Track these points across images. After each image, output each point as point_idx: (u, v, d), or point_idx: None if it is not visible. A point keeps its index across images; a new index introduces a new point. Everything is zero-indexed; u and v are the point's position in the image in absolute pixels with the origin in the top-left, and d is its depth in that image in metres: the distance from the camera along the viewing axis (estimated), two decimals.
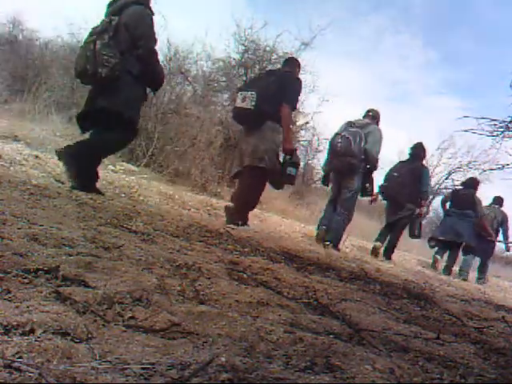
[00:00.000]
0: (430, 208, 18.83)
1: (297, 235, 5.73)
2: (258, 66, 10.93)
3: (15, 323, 0.90)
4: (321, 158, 14.17)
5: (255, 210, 6.61)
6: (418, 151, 5.91)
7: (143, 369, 0.82)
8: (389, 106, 35.08)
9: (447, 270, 6.58)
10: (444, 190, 19.23)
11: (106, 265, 1.47)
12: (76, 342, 0.90)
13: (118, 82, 3.07)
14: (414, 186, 5.58)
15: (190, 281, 1.56)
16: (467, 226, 6.52)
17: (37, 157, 4.54)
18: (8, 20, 11.87)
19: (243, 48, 10.89)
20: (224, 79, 11.20)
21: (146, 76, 3.27)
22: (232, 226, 3.58)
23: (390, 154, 14.68)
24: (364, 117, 5.04)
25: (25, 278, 1.19)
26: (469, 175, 14.97)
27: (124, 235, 2.11)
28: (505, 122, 2.92)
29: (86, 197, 3.05)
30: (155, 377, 0.80)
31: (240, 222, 3.83)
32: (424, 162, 6.03)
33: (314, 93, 11.47)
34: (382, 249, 5.82)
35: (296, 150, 4.05)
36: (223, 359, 0.89)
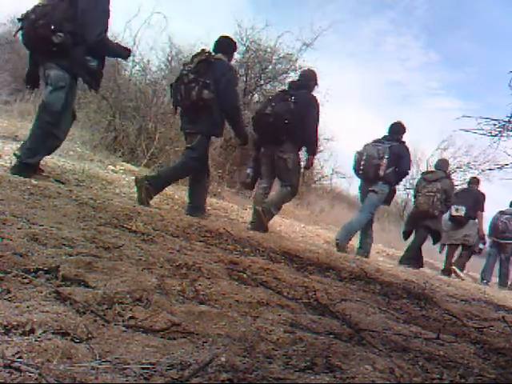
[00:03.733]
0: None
1: (297, 235, 5.73)
2: (259, 67, 10.93)
3: (15, 323, 0.90)
4: (321, 158, 14.21)
5: None
6: None
7: (143, 369, 0.82)
8: (389, 107, 35.05)
9: None
10: None
11: (106, 265, 1.47)
12: (76, 342, 0.90)
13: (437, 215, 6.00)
14: None
15: (189, 281, 1.56)
16: None
17: None
18: (8, 20, 11.86)
19: (244, 48, 10.89)
20: None
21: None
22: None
23: None
24: (510, 206, 7.71)
25: (25, 278, 1.19)
26: (468, 175, 15.06)
27: (124, 235, 2.11)
28: (503, 121, 2.91)
29: (86, 197, 3.05)
30: (155, 377, 0.80)
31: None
32: None
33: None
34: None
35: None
36: (223, 359, 0.89)
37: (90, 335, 0.94)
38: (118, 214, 2.69)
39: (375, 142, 5.22)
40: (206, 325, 1.15)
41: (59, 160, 4.90)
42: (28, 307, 0.98)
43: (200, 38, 16.76)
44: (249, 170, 4.42)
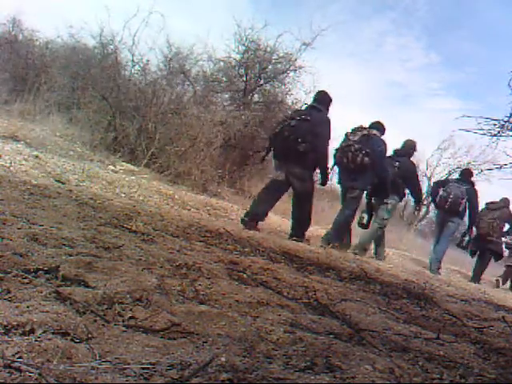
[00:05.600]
0: (430, 209, 19.05)
1: None
2: (258, 67, 10.93)
3: (15, 323, 0.90)
4: None
5: None
6: None
7: (143, 369, 0.82)
8: (389, 107, 35.03)
9: None
10: None
11: (106, 265, 1.47)
12: (76, 342, 0.90)
13: None
14: None
15: (189, 281, 1.56)
16: None
17: (37, 157, 4.54)
18: (8, 20, 11.86)
19: (244, 48, 10.88)
20: (225, 79, 11.20)
21: None
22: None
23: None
24: None
25: (25, 278, 1.19)
26: None
27: (124, 235, 2.11)
28: (503, 121, 2.90)
29: (86, 197, 3.05)
30: (155, 377, 0.80)
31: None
32: None
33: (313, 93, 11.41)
34: None
35: None
36: (223, 359, 0.89)
37: (89, 335, 0.94)
38: (118, 213, 2.69)
39: (456, 182, 6.66)
40: (206, 325, 1.15)
41: (59, 160, 4.90)
42: (28, 307, 0.98)
43: (199, 38, 16.80)
44: (364, 214, 5.59)
